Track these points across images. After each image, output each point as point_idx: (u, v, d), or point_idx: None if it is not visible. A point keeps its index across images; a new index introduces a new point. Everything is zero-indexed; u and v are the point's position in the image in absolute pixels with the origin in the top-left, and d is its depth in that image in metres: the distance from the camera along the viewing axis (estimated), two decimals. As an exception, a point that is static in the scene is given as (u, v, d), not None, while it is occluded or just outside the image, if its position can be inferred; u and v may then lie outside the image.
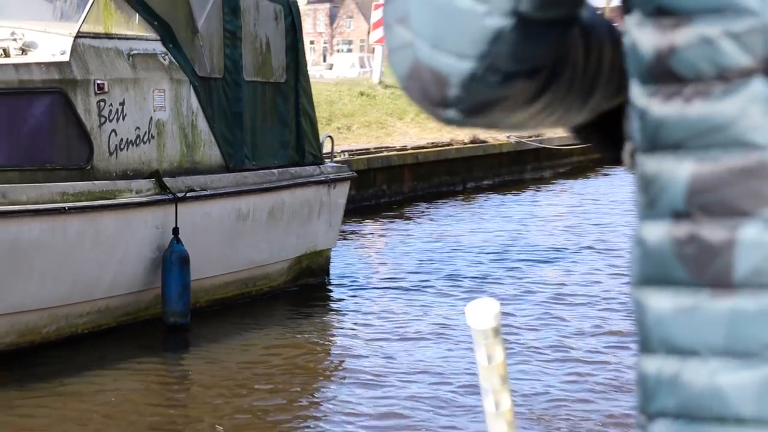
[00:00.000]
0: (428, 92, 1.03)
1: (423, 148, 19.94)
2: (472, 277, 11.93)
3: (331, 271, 11.99)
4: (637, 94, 1.00)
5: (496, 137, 22.21)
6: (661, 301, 0.98)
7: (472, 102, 1.03)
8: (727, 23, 0.93)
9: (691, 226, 0.96)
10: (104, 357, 8.60)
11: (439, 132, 21.15)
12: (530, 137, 22.36)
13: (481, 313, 1.47)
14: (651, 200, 1.00)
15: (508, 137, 22.12)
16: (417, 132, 20.94)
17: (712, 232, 0.95)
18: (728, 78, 0.94)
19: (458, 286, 11.46)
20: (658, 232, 0.99)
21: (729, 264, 0.94)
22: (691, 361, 0.96)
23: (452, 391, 7.66)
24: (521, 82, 1.03)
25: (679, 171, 0.97)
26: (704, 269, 0.95)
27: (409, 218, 16.70)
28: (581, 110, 1.15)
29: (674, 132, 0.97)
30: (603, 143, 1.22)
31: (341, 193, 11.92)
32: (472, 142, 21.64)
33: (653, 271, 0.99)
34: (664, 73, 0.97)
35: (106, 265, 8.97)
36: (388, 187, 18.45)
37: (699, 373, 0.96)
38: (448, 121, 1.06)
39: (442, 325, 9.59)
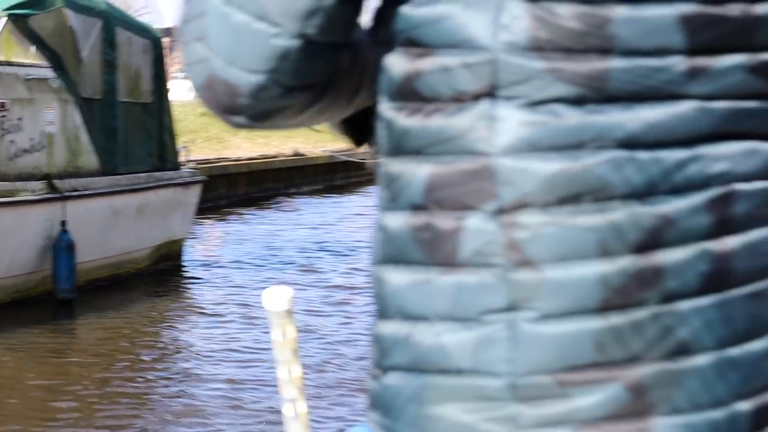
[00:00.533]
0: (221, 101, 0.98)
1: (254, 159, 19.94)
2: (297, 262, 12.14)
3: (184, 256, 12.18)
4: (386, 107, 0.98)
5: (312, 151, 22.18)
6: (398, 277, 0.97)
7: (259, 110, 0.98)
8: (464, 56, 0.92)
9: (426, 217, 0.95)
10: (2, 327, 8.62)
11: (267, 146, 21.08)
12: (341, 151, 22.53)
13: (276, 298, 1.40)
14: (393, 195, 0.98)
15: (323, 151, 22.25)
16: (249, 146, 20.79)
17: (444, 221, 0.94)
18: (462, 100, 0.92)
19: (286, 268, 11.66)
20: (399, 221, 0.97)
21: (456, 246, 0.93)
22: (421, 325, 0.95)
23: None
24: (301, 93, 0.98)
25: (418, 172, 0.95)
26: (436, 251, 0.94)
27: (244, 216, 16.70)
28: (346, 109, 1.11)
29: (416, 140, 0.95)
30: (352, 131, 1.16)
31: (194, 194, 12.15)
32: (293, 154, 21.64)
33: (393, 252, 0.98)
34: (410, 93, 0.95)
35: (5, 250, 9.14)
36: (227, 191, 18.30)
37: (427, 335, 0.94)
38: (237, 125, 1.00)
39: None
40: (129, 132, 11.10)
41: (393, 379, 0.97)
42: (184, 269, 11.84)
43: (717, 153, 0.93)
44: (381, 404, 0.98)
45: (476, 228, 0.92)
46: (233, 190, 18.66)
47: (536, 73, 0.90)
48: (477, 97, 0.92)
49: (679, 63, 0.91)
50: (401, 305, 0.96)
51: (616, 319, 0.91)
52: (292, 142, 22.17)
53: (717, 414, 0.92)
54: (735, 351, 0.94)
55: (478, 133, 0.92)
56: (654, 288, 0.91)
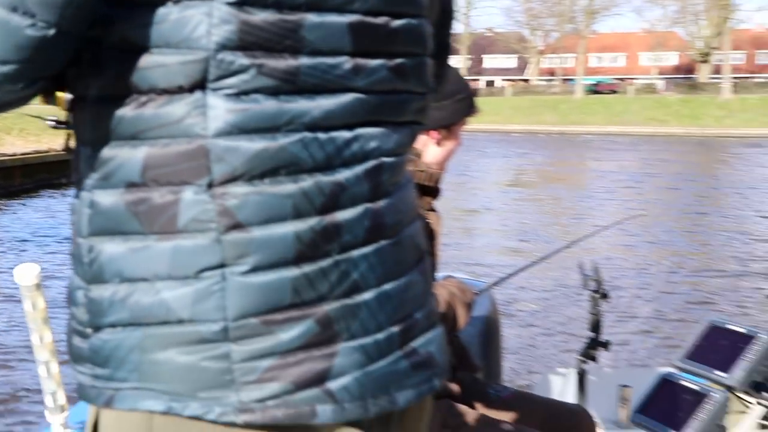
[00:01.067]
0: None
1: (28, 154, 19.27)
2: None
3: (-27, 240, 11.88)
4: (96, 99, 0.94)
5: (81, 146, 21.72)
6: (113, 247, 0.94)
7: (2, 101, 0.91)
8: (180, 55, 0.89)
9: (143, 193, 0.92)
10: None
11: (38, 143, 20.40)
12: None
13: (26, 274, 1.33)
14: (105, 175, 0.94)
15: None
16: (22, 143, 20.00)
17: (162, 196, 0.92)
18: (176, 92, 0.90)
19: (64, 243, 11.32)
20: (112, 197, 0.94)
21: (174, 216, 0.91)
22: (140, 285, 0.93)
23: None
24: (43, 84, 0.93)
25: (134, 154, 0.92)
26: (154, 221, 0.92)
27: (22, 203, 16.25)
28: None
29: (130, 127, 0.92)
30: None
31: (-23, 184, 11.93)
32: (64, 150, 20.95)
33: (106, 225, 0.94)
34: (125, 86, 0.92)
35: None
36: (4, 182, 17.80)
37: (148, 293, 0.92)
38: None
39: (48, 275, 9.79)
40: None
41: (110, 334, 0.95)
42: (-29, 248, 11.59)
43: (370, 134, 0.99)
44: (98, 358, 0.96)
45: (192, 199, 0.92)
46: (10, 181, 18.14)
47: (242, 68, 0.91)
48: (191, 90, 0.91)
49: (346, 62, 0.96)
50: (118, 270, 0.94)
51: (308, 268, 0.95)
52: (60, 139, 21.52)
53: (380, 336, 1.00)
54: (388, 287, 1.02)
55: (192, 119, 0.91)
56: (335, 241, 0.96)
